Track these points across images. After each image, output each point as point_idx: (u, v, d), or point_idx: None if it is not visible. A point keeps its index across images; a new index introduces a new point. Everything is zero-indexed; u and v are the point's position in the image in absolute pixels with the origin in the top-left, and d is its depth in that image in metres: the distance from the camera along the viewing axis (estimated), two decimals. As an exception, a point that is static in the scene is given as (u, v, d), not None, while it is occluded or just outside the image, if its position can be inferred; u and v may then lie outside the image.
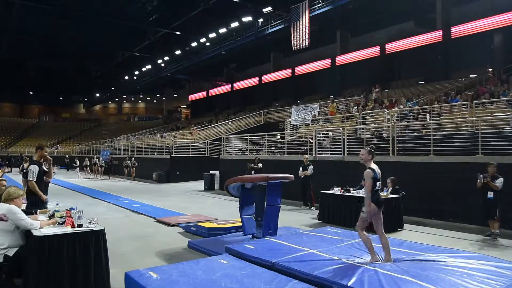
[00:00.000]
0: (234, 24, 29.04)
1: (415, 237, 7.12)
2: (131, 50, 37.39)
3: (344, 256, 5.07)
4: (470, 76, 20.23)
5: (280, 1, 26.65)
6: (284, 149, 14.29)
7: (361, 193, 8.55)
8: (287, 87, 33.29)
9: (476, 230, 7.66)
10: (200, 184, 17.57)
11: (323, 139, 12.97)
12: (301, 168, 10.97)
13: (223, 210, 10.74)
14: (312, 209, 10.73)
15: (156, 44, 34.55)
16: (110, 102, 62.80)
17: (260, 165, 12.62)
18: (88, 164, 24.81)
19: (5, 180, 5.17)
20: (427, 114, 12.48)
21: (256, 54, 34.94)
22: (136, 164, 22.09)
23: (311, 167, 10.91)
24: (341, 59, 27.99)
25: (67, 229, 4.17)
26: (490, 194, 7.05)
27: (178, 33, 32.29)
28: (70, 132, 50.74)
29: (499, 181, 6.97)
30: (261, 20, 28.70)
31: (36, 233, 4.00)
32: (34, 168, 5.55)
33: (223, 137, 18.46)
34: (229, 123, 28.55)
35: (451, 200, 8.52)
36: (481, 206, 7.23)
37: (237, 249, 5.41)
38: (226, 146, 17.69)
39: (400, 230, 7.96)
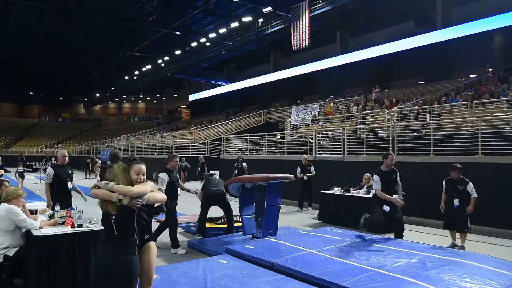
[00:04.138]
0: (234, 24, 29.01)
1: (415, 237, 7.12)
2: (131, 50, 37.37)
3: (344, 256, 5.07)
4: (470, 76, 20.22)
5: (280, 1, 26.66)
6: (284, 149, 14.29)
7: (361, 193, 8.58)
8: (287, 87, 33.25)
9: (476, 230, 7.65)
10: (200, 184, 17.53)
11: (323, 139, 12.96)
12: (298, 169, 10.61)
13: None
14: (309, 209, 10.65)
15: (156, 44, 34.53)
16: (110, 102, 62.73)
17: (244, 164, 12.52)
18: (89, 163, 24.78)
19: (7, 180, 5.17)
20: (427, 114, 12.49)
21: (256, 54, 34.91)
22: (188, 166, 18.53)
23: (313, 167, 10.72)
24: (341, 59, 27.95)
25: (67, 229, 4.18)
26: (456, 202, 6.18)
27: (178, 33, 32.27)
28: (70, 132, 50.70)
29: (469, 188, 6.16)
30: (261, 20, 28.69)
31: (36, 233, 4.00)
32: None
33: (223, 137, 18.45)
34: (229, 123, 28.55)
35: (451, 200, 8.50)
36: (447, 213, 6.41)
37: (237, 249, 5.42)
38: (226, 146, 17.68)
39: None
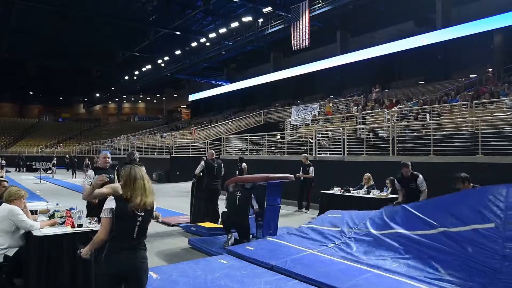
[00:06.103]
0: (234, 24, 29.02)
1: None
2: (131, 50, 37.36)
3: (343, 256, 5.06)
4: (470, 76, 20.23)
5: (280, 1, 26.65)
6: (284, 149, 14.29)
7: (361, 193, 8.57)
8: (287, 87, 33.26)
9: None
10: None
11: (323, 139, 12.95)
12: (301, 168, 10.59)
13: (223, 210, 10.70)
14: (307, 212, 10.50)
15: (156, 44, 34.53)
16: (110, 102, 62.74)
17: (244, 165, 12.47)
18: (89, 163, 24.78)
19: (6, 181, 5.15)
20: (427, 114, 12.48)
21: (256, 54, 34.92)
22: None
23: (312, 168, 10.54)
24: (341, 59, 27.93)
25: (67, 229, 4.18)
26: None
27: (178, 33, 32.28)
28: (70, 132, 50.71)
29: None
30: (261, 20, 28.69)
31: (36, 233, 4.00)
32: None
33: (223, 137, 18.45)
34: (229, 123, 28.54)
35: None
36: None
37: (237, 250, 5.42)
38: (226, 146, 17.68)
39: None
